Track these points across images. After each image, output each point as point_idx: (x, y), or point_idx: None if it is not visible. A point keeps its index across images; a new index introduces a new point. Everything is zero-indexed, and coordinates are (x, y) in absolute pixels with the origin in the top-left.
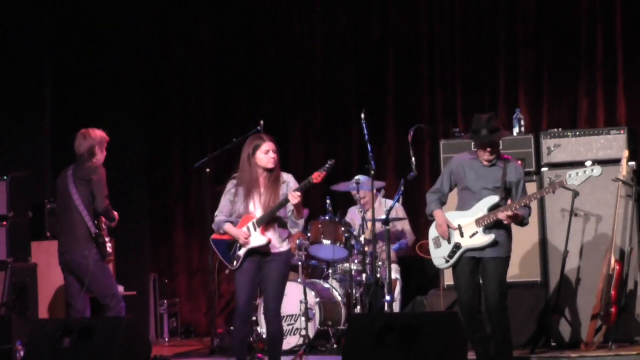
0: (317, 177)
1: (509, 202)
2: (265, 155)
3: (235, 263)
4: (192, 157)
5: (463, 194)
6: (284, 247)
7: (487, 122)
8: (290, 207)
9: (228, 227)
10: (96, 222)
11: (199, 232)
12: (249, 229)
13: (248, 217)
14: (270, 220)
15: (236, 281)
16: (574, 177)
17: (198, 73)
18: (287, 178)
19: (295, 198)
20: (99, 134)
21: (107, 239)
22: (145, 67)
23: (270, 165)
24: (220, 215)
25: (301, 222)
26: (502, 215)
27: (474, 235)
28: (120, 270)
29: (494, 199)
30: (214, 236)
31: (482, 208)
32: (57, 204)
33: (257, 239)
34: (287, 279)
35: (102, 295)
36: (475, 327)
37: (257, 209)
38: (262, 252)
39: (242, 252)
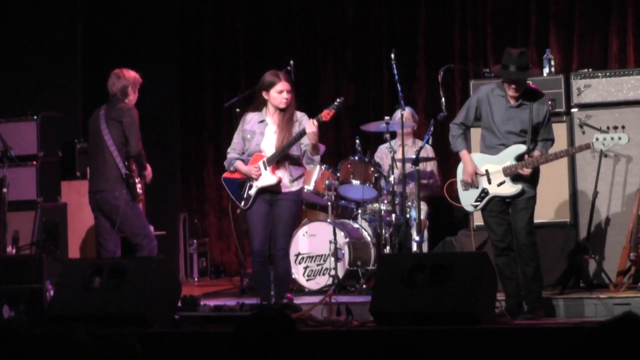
0: (326, 114)
1: (536, 152)
2: (279, 94)
3: (244, 203)
4: (225, 96)
5: (487, 134)
6: (295, 186)
7: (517, 58)
8: (305, 142)
9: (239, 165)
10: (127, 162)
11: None
12: (259, 167)
13: (259, 155)
14: (281, 159)
15: (249, 222)
16: (600, 142)
17: (230, 11)
18: (301, 117)
19: (312, 126)
20: (132, 74)
21: (137, 180)
22: (177, 5)
23: (282, 105)
24: (232, 152)
25: (317, 158)
26: (524, 171)
27: (501, 184)
28: (150, 210)
29: (521, 148)
30: (225, 175)
31: (509, 156)
32: (89, 143)
33: (267, 178)
34: (296, 218)
35: (134, 234)
36: (507, 263)
37: (269, 147)
38: (273, 191)
39: (252, 192)
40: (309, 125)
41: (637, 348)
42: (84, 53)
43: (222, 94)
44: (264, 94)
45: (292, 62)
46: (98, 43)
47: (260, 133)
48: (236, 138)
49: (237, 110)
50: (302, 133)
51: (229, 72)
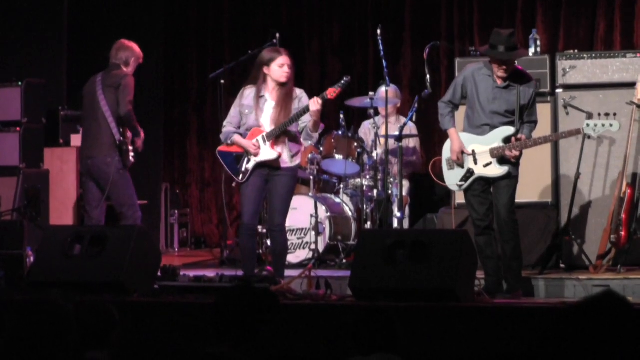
0: (331, 92)
1: (521, 135)
2: (280, 68)
3: (242, 176)
4: (209, 67)
5: (472, 113)
6: (294, 162)
7: (507, 38)
8: (305, 119)
9: (237, 138)
10: (121, 129)
11: (213, 143)
12: (258, 142)
13: (257, 130)
14: (280, 135)
15: (242, 195)
16: (591, 127)
17: None
18: (300, 93)
19: (316, 104)
20: (139, 51)
21: (130, 148)
22: None
23: (283, 80)
24: (228, 125)
25: (316, 135)
26: (512, 154)
27: (488, 165)
28: (133, 179)
29: (509, 130)
30: (220, 148)
31: (497, 138)
32: (83, 109)
33: (267, 153)
34: (293, 195)
35: (120, 203)
36: (487, 242)
37: (267, 122)
38: (271, 166)
39: (250, 165)
40: (314, 103)
41: (617, 325)
42: (70, 21)
43: (206, 65)
44: (264, 69)
45: (278, 35)
46: (84, 12)
47: (259, 108)
48: (233, 112)
49: (222, 82)
50: (305, 110)
51: (213, 43)
